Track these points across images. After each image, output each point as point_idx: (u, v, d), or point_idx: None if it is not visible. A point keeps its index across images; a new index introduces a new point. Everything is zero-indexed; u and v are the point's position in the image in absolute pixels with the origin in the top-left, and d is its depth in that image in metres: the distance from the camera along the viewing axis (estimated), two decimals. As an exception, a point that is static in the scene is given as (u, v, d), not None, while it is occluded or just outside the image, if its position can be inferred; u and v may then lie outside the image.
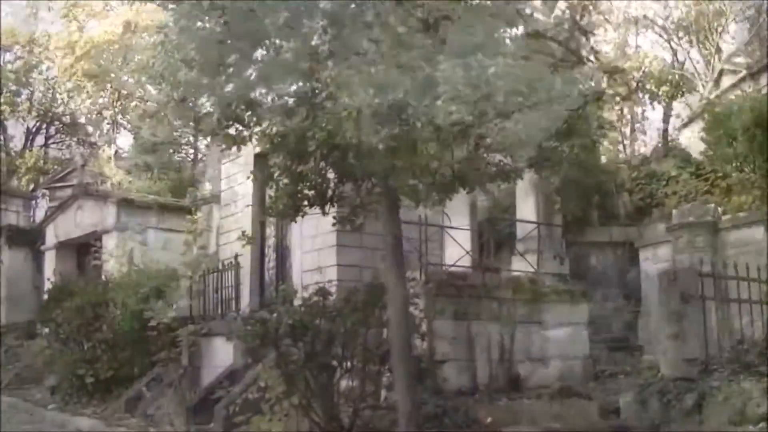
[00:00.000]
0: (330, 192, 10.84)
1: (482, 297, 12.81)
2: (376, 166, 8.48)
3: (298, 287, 16.11)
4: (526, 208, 14.73)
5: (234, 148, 18.20)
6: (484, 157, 8.21)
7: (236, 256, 16.34)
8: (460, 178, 8.81)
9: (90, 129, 49.51)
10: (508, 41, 8.42)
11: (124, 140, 49.48)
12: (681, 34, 36.65)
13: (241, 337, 10.67)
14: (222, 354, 15.90)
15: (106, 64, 43.02)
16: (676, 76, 35.19)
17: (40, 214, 38.12)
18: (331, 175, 10.61)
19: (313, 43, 8.09)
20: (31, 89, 47.16)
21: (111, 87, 44.36)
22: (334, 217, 11.18)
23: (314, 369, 10.27)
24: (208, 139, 21.03)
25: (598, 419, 10.89)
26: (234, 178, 18.66)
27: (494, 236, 15.30)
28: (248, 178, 11.01)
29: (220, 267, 16.74)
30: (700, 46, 36.38)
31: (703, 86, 34.98)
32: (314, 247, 15.94)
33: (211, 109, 10.28)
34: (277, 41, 8.54)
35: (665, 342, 10.05)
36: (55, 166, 45.33)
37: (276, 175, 10.85)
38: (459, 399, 11.41)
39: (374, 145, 7.77)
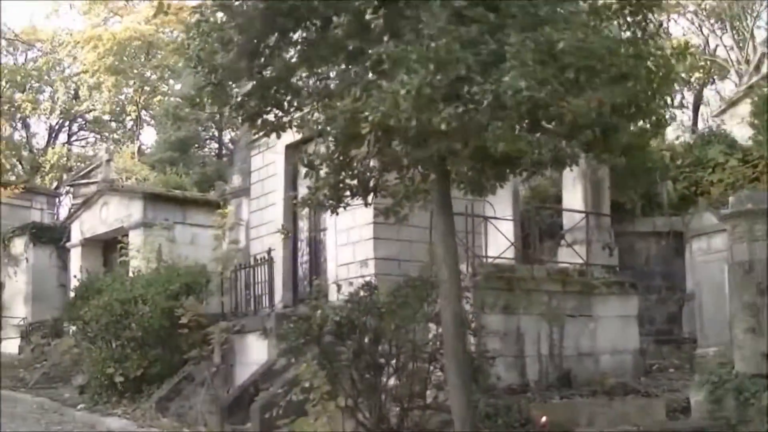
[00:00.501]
0: (373, 181, 10.30)
1: (531, 290, 12.24)
2: (432, 150, 7.90)
3: (333, 282, 15.67)
4: (574, 197, 14.17)
5: (264, 139, 17.91)
6: (554, 138, 7.58)
7: (269, 251, 15.84)
8: (525, 162, 8.20)
9: (113, 125, 49.16)
10: (573, 15, 7.82)
11: (147, 136, 49.08)
12: (713, 20, 36.02)
13: (284, 335, 10.08)
14: (255, 351, 15.43)
15: (129, 60, 42.69)
16: (708, 63, 34.57)
17: (63, 212, 37.84)
18: (373, 162, 10.09)
19: (367, 17, 7.52)
20: (54, 87, 46.82)
21: (134, 83, 43.97)
22: (376, 208, 10.61)
23: (361, 368, 9.71)
24: (242, 127, 20.59)
25: (666, 419, 10.26)
26: (264, 171, 18.18)
27: (538, 227, 14.69)
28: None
29: (252, 262, 16.20)
30: (733, 32, 35.73)
31: (737, 72, 34.33)
32: (350, 241, 15.45)
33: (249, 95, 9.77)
34: (325, 18, 7.97)
35: (740, 336, 9.44)
36: (79, 163, 45.11)
37: (317, 163, 10.26)
38: (510, 397, 10.85)
39: (435, 126, 7.19)
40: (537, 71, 7.08)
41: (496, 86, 7.05)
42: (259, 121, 10.08)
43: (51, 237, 29.60)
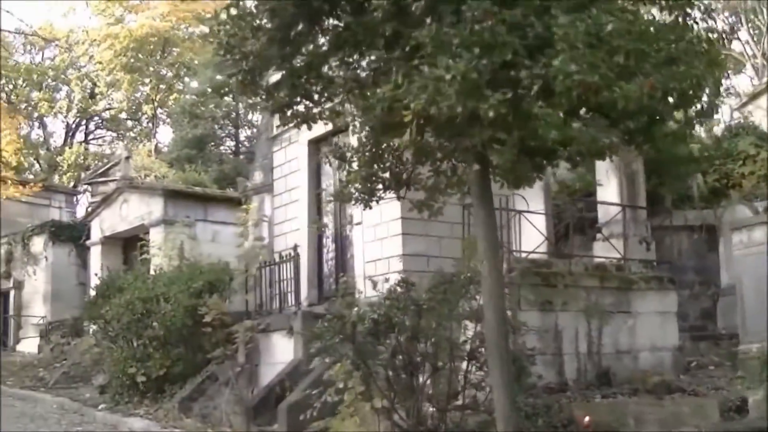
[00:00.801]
0: (406, 174, 9.96)
1: (568, 286, 11.85)
2: (475, 140, 7.53)
3: (361, 279, 15.32)
4: (608, 190, 13.76)
5: (287, 134, 17.61)
6: (604, 127, 7.19)
7: (295, 247, 15.49)
8: (563, 153, 7.84)
9: (130, 124, 48.98)
10: None
11: (163, 134, 48.84)
12: (727, 13, 35.63)
13: (318, 333, 9.73)
14: (281, 350, 15.11)
15: (145, 57, 42.48)
16: (722, 56, 34.02)
17: (80, 211, 37.61)
18: (406, 155, 9.75)
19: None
20: (70, 86, 46.64)
21: (150, 81, 43.75)
22: (410, 202, 10.26)
23: (398, 367, 9.35)
24: (262, 123, 20.29)
25: (720, 419, 9.83)
26: (287, 166, 17.86)
27: (571, 221, 14.30)
28: (326, 162, 9.83)
29: (277, 259, 15.86)
30: (749, 25, 35.38)
31: (753, 66, 33.94)
32: (377, 237, 15.12)
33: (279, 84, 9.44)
34: (360, 1, 7.63)
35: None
36: (96, 162, 44.97)
37: (348, 156, 9.93)
38: (549, 397, 10.47)
39: (483, 114, 6.82)
40: (587, 55, 6.72)
41: (545, 71, 6.68)
42: (289, 113, 9.71)
43: (70, 235, 29.44)
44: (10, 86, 47.16)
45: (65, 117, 48.58)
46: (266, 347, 15.50)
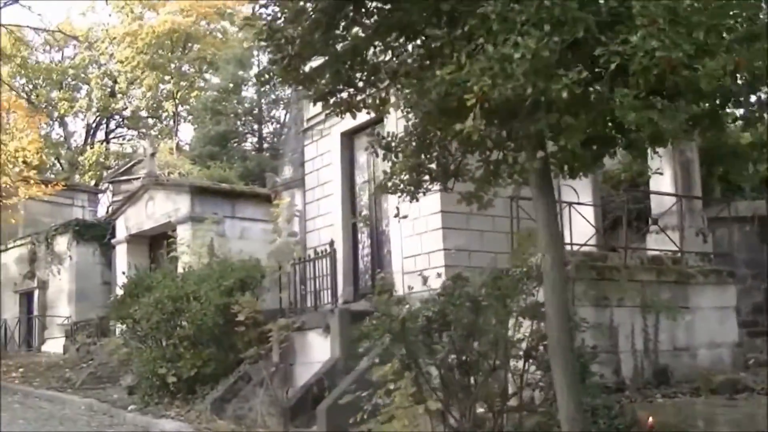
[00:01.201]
0: (453, 165, 9.47)
1: (624, 280, 11.27)
2: (542, 124, 7.00)
3: (399, 275, 14.84)
4: (661, 180, 13.15)
5: (318, 128, 17.14)
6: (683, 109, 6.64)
7: (331, 243, 15.00)
8: (635, 138, 7.31)
9: (151, 122, 48.66)
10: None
11: (183, 132, 48.44)
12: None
13: (365, 333, 9.22)
14: (317, 349, 14.62)
15: (167, 53, 42.14)
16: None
17: (101, 210, 37.30)
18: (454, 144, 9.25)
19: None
20: (90, 85, 46.33)
21: (172, 77, 43.41)
22: (460, 194, 9.75)
23: (454, 367, 8.83)
24: (290, 117, 19.80)
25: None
26: (319, 160, 17.38)
27: (622, 212, 13.68)
28: (373, 153, 9.30)
29: (312, 255, 15.37)
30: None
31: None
32: (416, 231, 14.62)
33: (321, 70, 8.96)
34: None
35: None
36: (117, 161, 44.72)
37: (395, 145, 9.42)
38: (607, 396, 9.90)
39: (555, 95, 6.29)
40: (668, 31, 6.18)
41: (622, 48, 6.15)
42: (332, 100, 9.23)
43: (94, 234, 29.11)
44: (31, 86, 46.91)
45: (85, 116, 48.31)
46: (301, 346, 15.03)
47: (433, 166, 9.38)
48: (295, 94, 20.22)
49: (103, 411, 17.51)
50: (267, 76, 9.01)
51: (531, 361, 9.12)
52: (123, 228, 24.66)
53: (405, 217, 10.59)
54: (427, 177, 9.50)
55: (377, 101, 9.34)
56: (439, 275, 10.00)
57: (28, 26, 36.12)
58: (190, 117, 46.19)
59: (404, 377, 9.06)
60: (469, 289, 8.85)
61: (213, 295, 16.24)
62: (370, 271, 16.18)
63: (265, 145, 39.74)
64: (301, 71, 8.84)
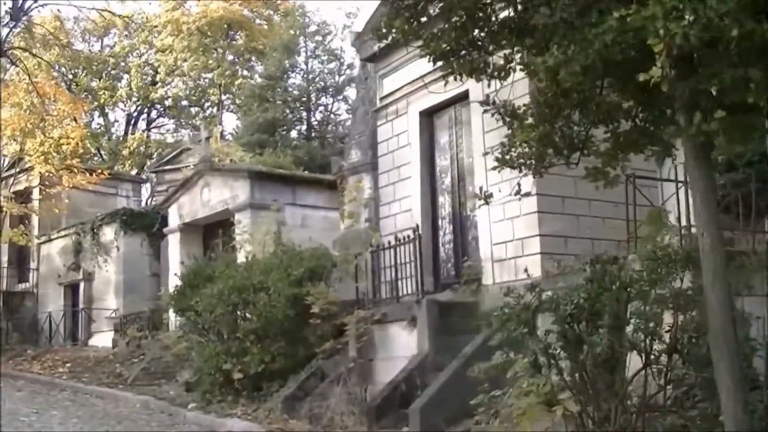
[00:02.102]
0: (578, 137, 8.36)
1: (754, 266, 9.96)
2: (726, 76, 5.79)
3: (488, 263, 13.67)
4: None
5: (392, 107, 15.94)
6: None
7: (416, 229, 13.80)
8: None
9: (192, 111, 47.73)
10: None
11: (226, 121, 47.34)
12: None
13: (499, 324, 8.01)
14: (401, 343, 13.47)
15: (212, 41, 41.15)
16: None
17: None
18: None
19: None
20: (131, 74, 45.42)
21: (218, 64, 42.38)
22: (586, 168, 8.58)
23: (599, 363, 7.59)
24: (357, 97, 18.64)
25: None
26: (394, 141, 16.20)
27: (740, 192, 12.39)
28: (497, 118, 8.18)
29: (393, 242, 14.14)
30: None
31: None
32: (508, 216, 13.38)
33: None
34: None
35: None
36: (159, 150, 43.93)
37: (523, 112, 8.29)
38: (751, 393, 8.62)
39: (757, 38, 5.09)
40: None
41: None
42: (453, 60, 8.12)
43: (142, 224, 28.10)
44: (70, 75, 46.07)
45: (126, 105, 47.44)
46: (382, 340, 13.84)
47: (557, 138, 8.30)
48: (362, 72, 19.09)
49: (161, 409, 16.52)
50: (386, 30, 7.88)
51: (677, 355, 7.85)
52: (176, 216, 23.55)
53: (527, 194, 9.39)
54: (550, 150, 8.41)
55: (506, 62, 8.15)
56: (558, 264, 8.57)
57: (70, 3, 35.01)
58: (233, 105, 45.25)
59: (535, 374, 7.84)
60: (623, 274, 7.55)
61: (282, 285, 15.14)
62: (452, 259, 14.99)
63: (313, 133, 38.68)
64: (421, 28, 7.82)
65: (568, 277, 11.19)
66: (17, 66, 29.70)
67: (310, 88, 37.97)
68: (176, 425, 14.72)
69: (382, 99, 16.54)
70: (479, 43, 8.12)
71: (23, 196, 31.17)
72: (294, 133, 39.14)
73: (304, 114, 39.34)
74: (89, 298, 29.05)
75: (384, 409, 12.19)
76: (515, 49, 8.10)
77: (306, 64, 39.01)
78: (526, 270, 10.69)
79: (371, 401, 12.42)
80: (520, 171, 8.99)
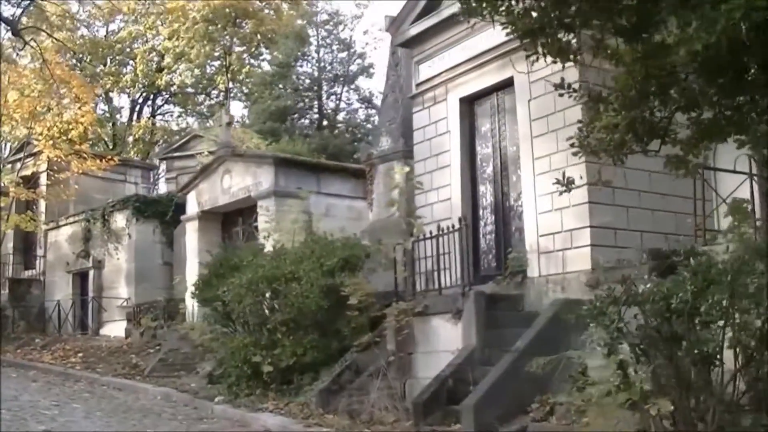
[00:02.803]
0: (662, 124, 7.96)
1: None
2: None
3: (534, 255, 13.20)
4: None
5: (429, 94, 15.45)
6: None
7: (463, 219, 13.27)
8: None
9: (198, 99, 47.07)
10: None
11: (234, 109, 46.62)
12: None
13: (590, 317, 7.52)
14: (444, 337, 12.92)
15: (220, 28, 40.45)
16: None
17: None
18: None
19: None
20: (136, 60, 44.71)
21: (225, 52, 41.71)
22: (667, 156, 8.14)
23: (696, 360, 7.11)
24: (388, 84, 18.15)
25: None
26: (432, 129, 15.71)
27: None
28: (584, 101, 7.73)
29: (435, 231, 13.61)
30: None
31: None
32: (556, 206, 12.89)
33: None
34: None
35: None
36: (165, 137, 43.35)
37: (611, 96, 7.86)
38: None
39: None
40: None
41: None
42: (541, 41, 7.66)
43: (155, 211, 27.47)
44: (74, 61, 45.34)
45: (131, 92, 46.69)
46: (423, 333, 13.31)
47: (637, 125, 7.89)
48: (391, 58, 18.58)
49: (184, 401, 16.04)
50: (473, 5, 7.38)
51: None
52: (194, 203, 23.01)
53: (579, 185, 8.91)
54: (630, 136, 8.01)
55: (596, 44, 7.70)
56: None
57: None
58: (240, 93, 44.64)
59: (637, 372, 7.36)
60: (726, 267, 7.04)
61: (314, 275, 14.62)
62: (493, 250, 14.50)
63: (324, 122, 38.14)
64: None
65: (627, 270, 10.75)
66: (30, 46, 29.04)
67: (321, 77, 37.43)
68: (204, 419, 14.20)
69: (418, 85, 16.05)
70: (567, 22, 7.60)
71: (30, 182, 30.53)
72: (305, 122, 38.57)
73: (315, 103, 38.81)
74: (99, 287, 28.50)
75: (431, 404, 11.67)
76: (605, 29, 7.62)
77: (317, 52, 38.50)
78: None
79: (418, 396, 11.88)
80: (599, 158, 8.55)
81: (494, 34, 14.15)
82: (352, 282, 14.32)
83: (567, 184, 8.16)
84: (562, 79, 8.55)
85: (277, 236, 17.28)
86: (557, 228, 12.89)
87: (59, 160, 28.40)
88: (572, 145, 8.44)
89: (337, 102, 38.51)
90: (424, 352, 13.25)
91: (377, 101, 39.52)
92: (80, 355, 23.34)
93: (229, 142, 21.99)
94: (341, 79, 37.74)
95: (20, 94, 27.71)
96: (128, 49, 45.86)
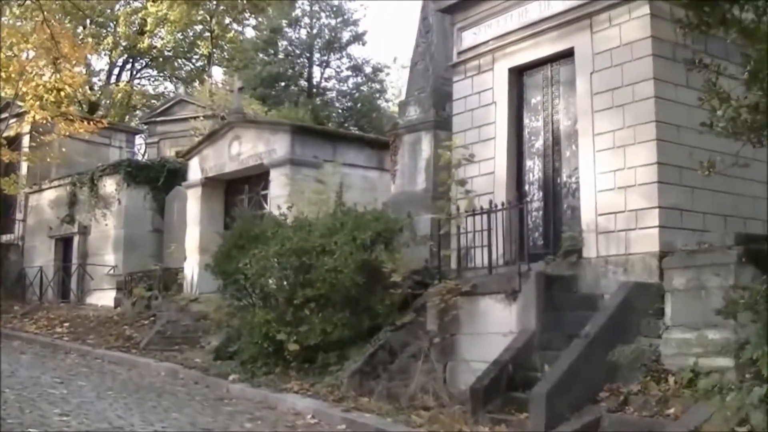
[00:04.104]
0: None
1: None
2: None
3: (590, 235, 12.45)
4: None
5: (473, 62, 14.62)
6: None
7: (522, 195, 12.46)
8: None
9: (176, 63, 45.71)
10: None
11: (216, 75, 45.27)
12: None
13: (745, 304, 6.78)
14: (494, 319, 12.12)
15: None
16: None
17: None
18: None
19: None
20: (117, 22, 43.21)
21: (209, 17, 40.38)
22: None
23: None
24: (417, 50, 17.25)
25: None
26: (473, 99, 14.86)
27: None
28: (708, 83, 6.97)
29: (487, 206, 12.77)
30: None
31: None
32: (619, 185, 12.13)
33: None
34: None
35: None
36: (144, 101, 42.05)
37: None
38: None
39: None
40: None
41: None
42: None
43: (147, 176, 26.40)
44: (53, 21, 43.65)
45: (110, 54, 45.17)
46: (469, 314, 12.49)
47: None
48: (422, 25, 17.69)
49: (193, 379, 15.14)
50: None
51: None
52: (197, 170, 21.95)
53: (713, 167, 8.16)
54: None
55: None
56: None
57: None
58: (222, 59, 43.28)
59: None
60: None
61: (348, 249, 13.75)
62: (540, 228, 13.68)
63: (314, 90, 37.10)
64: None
65: (709, 255, 10.05)
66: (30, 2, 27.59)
67: (313, 44, 36.33)
68: (223, 400, 13.29)
69: (460, 53, 15.19)
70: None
71: (12, 144, 29.19)
72: (294, 89, 37.46)
73: (306, 70, 37.73)
74: (84, 253, 27.39)
75: (491, 391, 10.88)
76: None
77: (309, 18, 37.35)
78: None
79: (477, 382, 11.04)
80: (736, 139, 7.81)
81: (552, 3, 13.51)
82: (393, 257, 13.50)
83: (708, 168, 7.38)
84: (694, 53, 7.79)
85: (284, 204, 16.36)
86: (620, 207, 12.12)
87: (45, 122, 27.17)
88: (703, 125, 7.66)
89: (323, 71, 37.36)
90: (468, 334, 12.47)
91: (368, 69, 38.74)
92: (66, 324, 22.36)
93: (240, 108, 20.95)
94: (334, 46, 36.63)
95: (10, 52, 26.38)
96: (109, 11, 44.34)
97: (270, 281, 14.49)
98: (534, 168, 13.96)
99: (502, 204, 12.67)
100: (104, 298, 25.25)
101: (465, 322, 12.54)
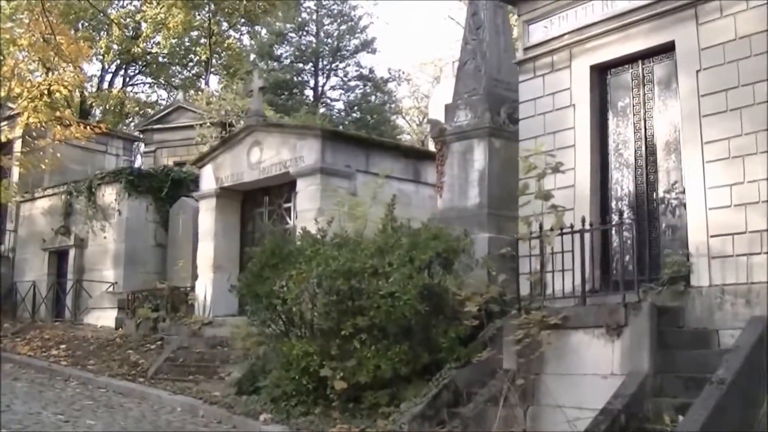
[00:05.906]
0: None
1: None
2: None
3: (700, 259, 10.66)
4: None
5: (543, 60, 12.82)
6: None
7: (622, 212, 10.64)
8: None
9: (172, 70, 43.92)
10: None
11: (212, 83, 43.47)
12: None
13: None
14: (589, 357, 10.31)
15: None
16: None
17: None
18: None
19: None
20: (110, 26, 41.34)
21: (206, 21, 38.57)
22: None
23: None
24: (465, 49, 15.45)
25: None
26: (546, 101, 13.03)
27: None
28: None
29: (581, 225, 10.91)
30: None
31: None
32: (736, 201, 10.38)
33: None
34: None
35: None
36: (137, 109, 40.26)
37: None
38: None
39: None
40: None
41: None
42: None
43: (149, 186, 24.51)
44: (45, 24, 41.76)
45: (103, 59, 43.24)
46: (556, 350, 10.62)
47: None
48: (471, 20, 15.90)
49: (216, 417, 13.32)
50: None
51: None
52: (211, 179, 19.92)
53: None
54: None
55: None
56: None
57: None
58: (220, 67, 41.48)
59: None
60: None
61: (406, 272, 11.90)
62: (631, 251, 11.78)
63: (322, 98, 35.42)
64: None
65: None
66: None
67: (319, 50, 34.62)
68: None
69: (527, 50, 13.37)
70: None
71: (3, 149, 27.21)
72: (300, 97, 35.77)
73: (312, 77, 36.06)
74: (80, 268, 25.44)
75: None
76: None
77: (316, 24, 35.64)
78: None
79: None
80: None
81: (643, -9, 11.73)
82: (458, 282, 11.68)
83: None
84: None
85: (323, 220, 14.53)
86: (739, 228, 10.33)
87: (39, 126, 25.23)
88: None
89: (326, 78, 35.55)
90: (556, 374, 10.62)
91: (376, 77, 37.10)
92: (63, 347, 20.49)
93: (260, 111, 19.02)
94: (340, 54, 34.92)
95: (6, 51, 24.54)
96: (102, 15, 42.45)
97: (312, 307, 12.58)
98: (623, 181, 12.13)
99: (600, 222, 10.80)
100: (104, 317, 23.31)
101: (551, 361, 10.70)
